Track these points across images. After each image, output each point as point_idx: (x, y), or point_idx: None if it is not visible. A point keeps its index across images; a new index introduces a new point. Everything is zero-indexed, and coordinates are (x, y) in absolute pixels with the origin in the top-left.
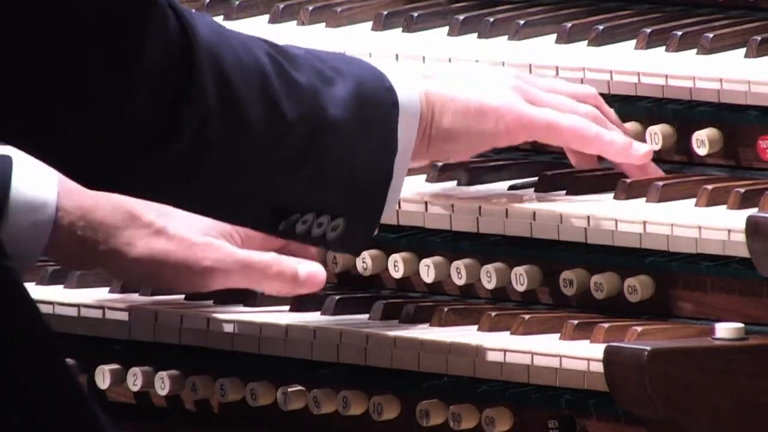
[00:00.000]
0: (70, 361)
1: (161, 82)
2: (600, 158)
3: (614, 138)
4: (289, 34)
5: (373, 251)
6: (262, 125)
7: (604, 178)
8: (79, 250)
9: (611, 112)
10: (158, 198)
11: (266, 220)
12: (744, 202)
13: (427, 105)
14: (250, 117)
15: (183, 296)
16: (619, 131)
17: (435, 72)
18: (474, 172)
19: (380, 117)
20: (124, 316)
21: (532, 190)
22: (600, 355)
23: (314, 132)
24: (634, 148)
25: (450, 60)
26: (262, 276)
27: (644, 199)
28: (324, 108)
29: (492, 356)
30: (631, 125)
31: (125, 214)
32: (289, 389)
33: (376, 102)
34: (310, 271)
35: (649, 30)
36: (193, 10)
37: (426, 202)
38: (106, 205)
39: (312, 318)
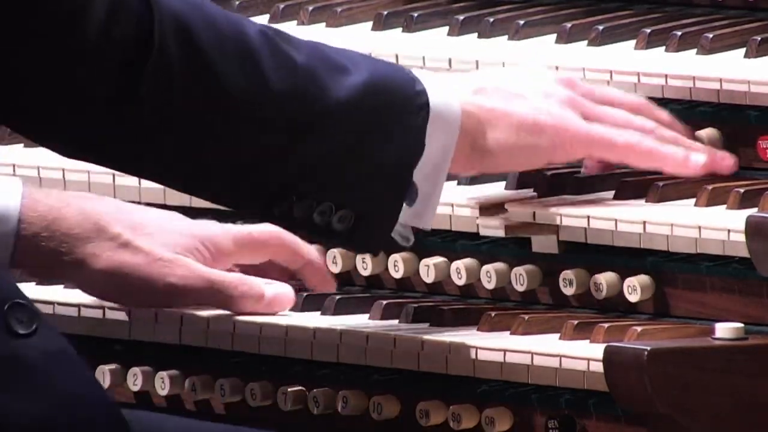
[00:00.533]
0: None
1: (115, 47)
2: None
3: (670, 153)
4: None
5: None
6: (241, 91)
7: (604, 178)
8: (45, 262)
9: (664, 114)
10: (129, 169)
11: (260, 200)
12: (744, 202)
13: (474, 118)
14: (224, 81)
15: None
16: (675, 144)
17: (486, 85)
18: None
19: (399, 111)
20: (124, 316)
21: (531, 190)
22: (600, 355)
23: (310, 110)
24: (693, 160)
25: (450, 60)
26: (228, 296)
27: (644, 199)
28: (323, 88)
29: (492, 356)
30: None
31: (92, 225)
32: (289, 389)
33: (393, 94)
34: (278, 292)
35: (648, 30)
36: None
37: None
38: (73, 216)
39: (312, 318)
